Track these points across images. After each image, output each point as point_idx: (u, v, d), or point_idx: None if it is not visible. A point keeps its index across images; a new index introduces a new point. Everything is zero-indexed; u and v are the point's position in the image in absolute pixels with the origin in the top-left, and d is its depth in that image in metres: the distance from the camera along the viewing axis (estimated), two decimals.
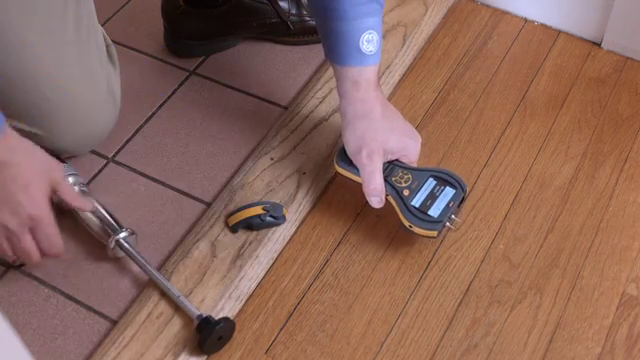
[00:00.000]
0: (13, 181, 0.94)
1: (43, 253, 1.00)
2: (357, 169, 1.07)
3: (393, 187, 1.06)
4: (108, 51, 1.20)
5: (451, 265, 1.10)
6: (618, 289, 1.08)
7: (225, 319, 0.98)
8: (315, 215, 1.16)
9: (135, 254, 1.04)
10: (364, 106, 1.06)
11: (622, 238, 1.14)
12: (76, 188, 1.09)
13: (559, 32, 1.43)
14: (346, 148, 1.08)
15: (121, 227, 1.06)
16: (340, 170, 1.11)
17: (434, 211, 1.05)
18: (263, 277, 1.08)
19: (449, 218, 1.06)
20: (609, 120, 1.29)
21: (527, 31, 1.43)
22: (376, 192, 1.06)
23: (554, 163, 1.23)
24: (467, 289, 1.08)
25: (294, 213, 1.13)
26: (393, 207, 1.07)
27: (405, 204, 1.05)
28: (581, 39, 1.42)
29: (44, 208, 0.97)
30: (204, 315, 0.98)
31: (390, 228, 1.13)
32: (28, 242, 0.98)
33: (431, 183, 1.08)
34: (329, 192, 1.18)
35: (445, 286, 1.08)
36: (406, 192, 1.06)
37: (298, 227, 1.14)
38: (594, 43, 1.41)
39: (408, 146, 1.09)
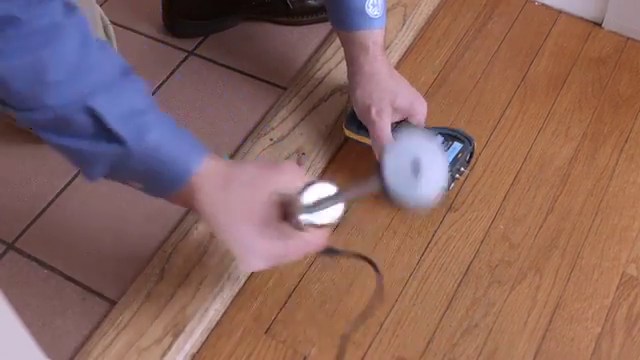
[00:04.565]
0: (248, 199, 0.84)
1: None
2: (366, 131, 1.09)
3: None
4: (106, 31, 1.19)
5: (451, 246, 1.10)
6: (618, 269, 1.08)
7: None
8: None
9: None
10: (372, 68, 1.09)
11: (622, 218, 1.14)
12: None
13: (560, 12, 1.42)
14: (355, 108, 1.10)
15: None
16: (349, 133, 1.12)
17: None
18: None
19: (458, 169, 1.08)
20: (609, 100, 1.29)
21: (527, 11, 1.43)
22: None
23: (554, 143, 1.23)
24: (467, 269, 1.08)
25: None
26: None
27: None
28: (582, 19, 1.41)
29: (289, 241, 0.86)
30: None
31: (389, 209, 1.13)
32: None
33: (439, 139, 1.09)
34: (328, 172, 1.18)
35: (445, 266, 1.08)
36: None
37: None
38: (595, 23, 1.40)
39: (415, 105, 1.10)
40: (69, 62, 0.77)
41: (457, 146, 1.09)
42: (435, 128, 1.12)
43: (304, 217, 0.83)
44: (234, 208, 0.84)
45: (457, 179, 1.10)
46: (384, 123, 1.07)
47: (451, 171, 1.07)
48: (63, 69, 0.77)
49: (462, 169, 1.10)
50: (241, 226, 0.84)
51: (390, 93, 1.08)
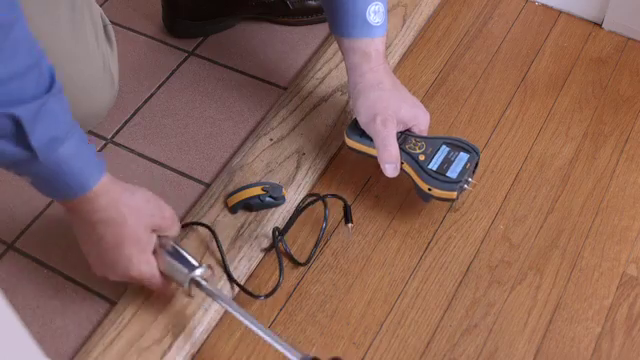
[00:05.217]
0: (118, 241, 0.93)
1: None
2: (370, 140, 1.08)
3: (408, 154, 1.07)
4: (106, 31, 1.19)
5: (451, 245, 1.10)
6: (618, 269, 1.08)
7: None
8: None
9: (215, 293, 0.95)
10: (375, 76, 1.08)
11: (622, 219, 1.14)
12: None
13: (560, 12, 1.42)
14: (358, 118, 1.09)
15: (198, 263, 0.96)
16: (351, 143, 1.11)
17: (452, 173, 1.05)
18: (263, 257, 1.08)
19: (466, 180, 1.07)
20: (610, 101, 1.29)
21: (528, 11, 1.43)
22: (392, 158, 1.06)
23: (554, 144, 1.23)
24: (467, 269, 1.08)
25: (293, 194, 1.12)
26: (409, 175, 1.08)
27: (422, 168, 1.05)
28: (582, 19, 1.41)
29: (152, 265, 0.96)
30: (309, 357, 0.89)
31: (390, 209, 1.13)
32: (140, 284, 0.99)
33: (445, 149, 1.08)
34: (328, 173, 1.18)
35: (445, 266, 1.08)
36: (422, 157, 1.07)
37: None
38: (595, 23, 1.40)
39: (419, 116, 1.09)
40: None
41: (464, 157, 1.08)
42: (439, 137, 1.10)
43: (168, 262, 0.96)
44: (107, 229, 0.92)
45: (465, 190, 1.09)
46: (390, 133, 1.06)
47: (460, 182, 1.05)
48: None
49: (470, 180, 1.09)
50: (122, 241, 0.93)
51: (395, 103, 1.07)
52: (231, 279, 1.02)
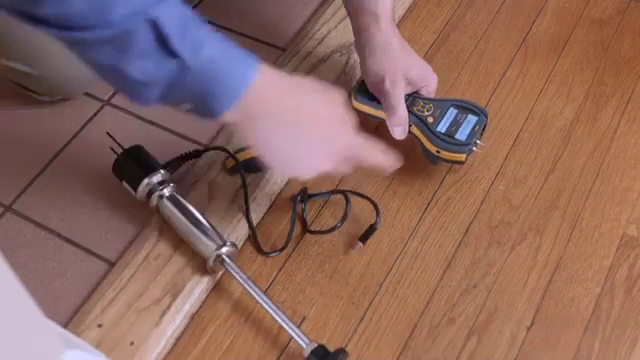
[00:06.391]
0: (311, 118, 0.85)
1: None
2: (377, 102, 1.07)
3: (416, 116, 1.06)
4: None
5: (450, 206, 1.10)
6: (618, 230, 1.08)
7: (341, 351, 0.92)
8: None
9: (238, 271, 0.97)
10: (383, 38, 1.06)
11: (623, 179, 1.13)
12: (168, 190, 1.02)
13: None
14: (366, 80, 1.08)
15: (224, 240, 0.98)
16: (358, 105, 1.10)
17: (461, 135, 1.06)
18: (261, 218, 1.08)
19: (475, 142, 1.07)
20: (611, 62, 1.28)
21: None
22: (400, 121, 1.05)
23: (555, 105, 1.22)
24: (466, 230, 1.07)
25: None
26: (417, 138, 1.07)
27: (431, 131, 1.05)
28: None
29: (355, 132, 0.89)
30: (317, 344, 0.91)
31: None
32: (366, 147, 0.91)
33: (453, 111, 1.08)
34: None
35: (444, 227, 1.08)
36: (430, 119, 1.06)
37: None
38: None
39: (428, 78, 1.09)
40: None
41: (472, 119, 1.07)
42: (447, 100, 1.09)
43: None
44: (303, 110, 0.84)
45: (473, 152, 1.08)
46: (399, 94, 1.05)
47: (469, 144, 1.05)
48: None
49: (478, 142, 1.08)
50: (308, 128, 0.85)
51: (404, 64, 1.06)
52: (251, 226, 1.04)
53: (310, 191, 1.08)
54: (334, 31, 1.26)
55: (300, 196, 1.07)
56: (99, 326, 0.95)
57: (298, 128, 0.86)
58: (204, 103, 0.81)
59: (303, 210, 1.07)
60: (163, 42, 0.75)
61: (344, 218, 1.06)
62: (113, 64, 0.77)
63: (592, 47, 1.30)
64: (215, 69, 0.79)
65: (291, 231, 1.05)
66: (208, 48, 0.79)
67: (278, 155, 0.87)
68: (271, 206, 1.09)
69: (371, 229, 1.05)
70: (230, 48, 0.81)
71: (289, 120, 0.85)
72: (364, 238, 1.04)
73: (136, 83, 0.78)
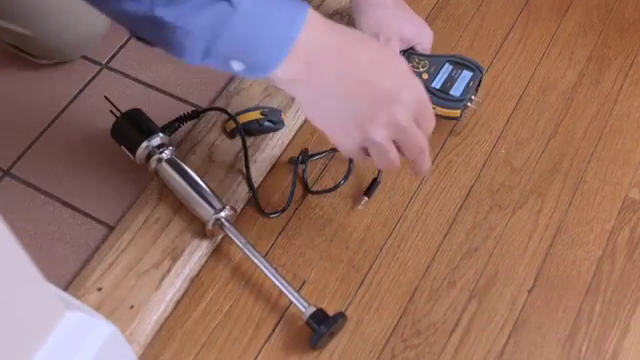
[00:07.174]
0: (374, 64, 0.77)
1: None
2: None
3: None
4: None
5: (452, 170, 1.09)
6: (620, 193, 1.07)
7: (341, 315, 0.93)
8: None
9: (237, 235, 0.96)
10: None
11: (626, 143, 1.12)
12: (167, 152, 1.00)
13: None
14: None
15: (223, 204, 0.97)
16: None
17: (455, 91, 1.06)
18: (262, 182, 1.07)
19: (470, 98, 1.07)
20: (615, 25, 1.26)
21: None
22: None
23: (558, 68, 1.20)
24: (468, 193, 1.07)
25: (292, 118, 1.11)
26: None
27: (425, 87, 1.04)
28: None
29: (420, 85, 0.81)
30: (317, 308, 0.92)
31: None
32: (420, 135, 0.83)
33: (448, 67, 1.08)
34: None
35: (445, 190, 1.07)
36: (425, 76, 1.07)
37: (296, 132, 1.12)
38: None
39: (423, 34, 1.09)
40: None
41: (467, 75, 1.08)
42: (443, 56, 1.09)
43: None
44: (361, 53, 0.76)
45: (468, 107, 1.07)
46: (393, 51, 1.04)
47: (463, 100, 1.05)
48: None
49: (473, 97, 1.08)
50: (375, 85, 0.78)
51: (398, 21, 1.06)
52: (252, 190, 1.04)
53: (311, 151, 1.07)
54: None
55: (301, 157, 1.06)
56: (99, 290, 0.94)
57: (362, 86, 0.77)
58: (255, 54, 0.74)
59: (304, 171, 1.06)
60: None
61: (347, 175, 1.06)
62: (161, 17, 0.71)
63: (595, 10, 1.28)
64: (264, 11, 0.72)
65: (292, 192, 1.04)
66: None
67: (335, 119, 0.79)
68: (272, 169, 1.08)
69: (375, 183, 1.05)
70: None
71: (354, 74, 0.77)
72: (369, 192, 1.05)
73: (181, 36, 0.72)
